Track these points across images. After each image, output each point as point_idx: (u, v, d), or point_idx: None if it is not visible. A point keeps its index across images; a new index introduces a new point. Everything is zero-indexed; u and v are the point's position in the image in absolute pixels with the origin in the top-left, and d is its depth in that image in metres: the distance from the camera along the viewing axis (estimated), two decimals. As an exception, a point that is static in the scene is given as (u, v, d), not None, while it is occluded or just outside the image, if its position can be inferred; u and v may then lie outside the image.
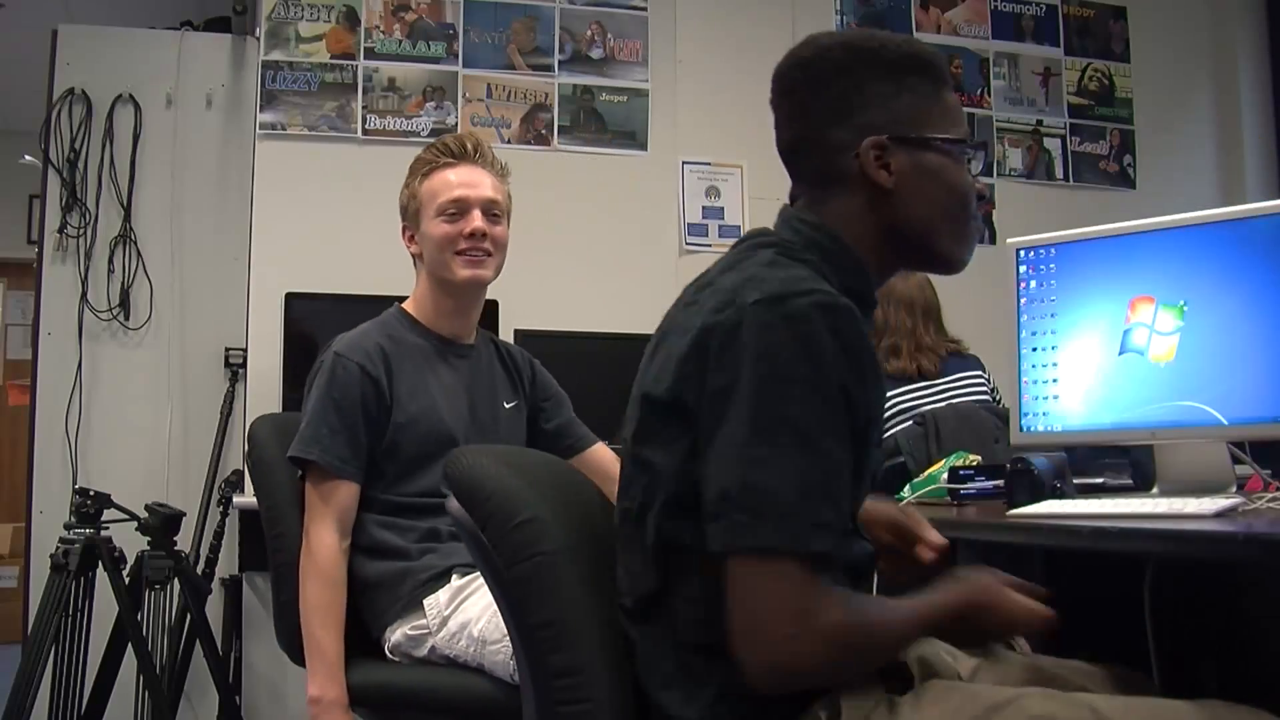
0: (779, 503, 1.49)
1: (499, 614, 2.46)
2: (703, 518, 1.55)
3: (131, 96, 4.93)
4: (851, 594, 1.61)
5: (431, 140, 3.11)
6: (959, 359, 4.17)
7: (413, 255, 3.02)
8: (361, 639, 2.83)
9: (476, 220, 2.90)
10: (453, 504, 1.83)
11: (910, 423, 3.84)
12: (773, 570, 1.49)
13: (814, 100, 1.82)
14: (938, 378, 4.08)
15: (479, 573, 2.68)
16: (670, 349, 1.67)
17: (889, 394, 4.05)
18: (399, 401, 2.86)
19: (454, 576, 2.78)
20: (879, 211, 1.78)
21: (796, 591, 1.49)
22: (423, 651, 2.75)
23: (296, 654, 2.88)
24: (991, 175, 5.66)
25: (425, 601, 2.76)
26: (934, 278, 4.32)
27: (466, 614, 2.68)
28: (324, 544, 2.77)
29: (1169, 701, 1.64)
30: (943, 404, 3.95)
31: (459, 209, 2.91)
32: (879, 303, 4.15)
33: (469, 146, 2.98)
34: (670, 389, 1.63)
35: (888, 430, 3.98)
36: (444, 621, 2.72)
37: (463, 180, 2.93)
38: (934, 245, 1.81)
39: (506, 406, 3.06)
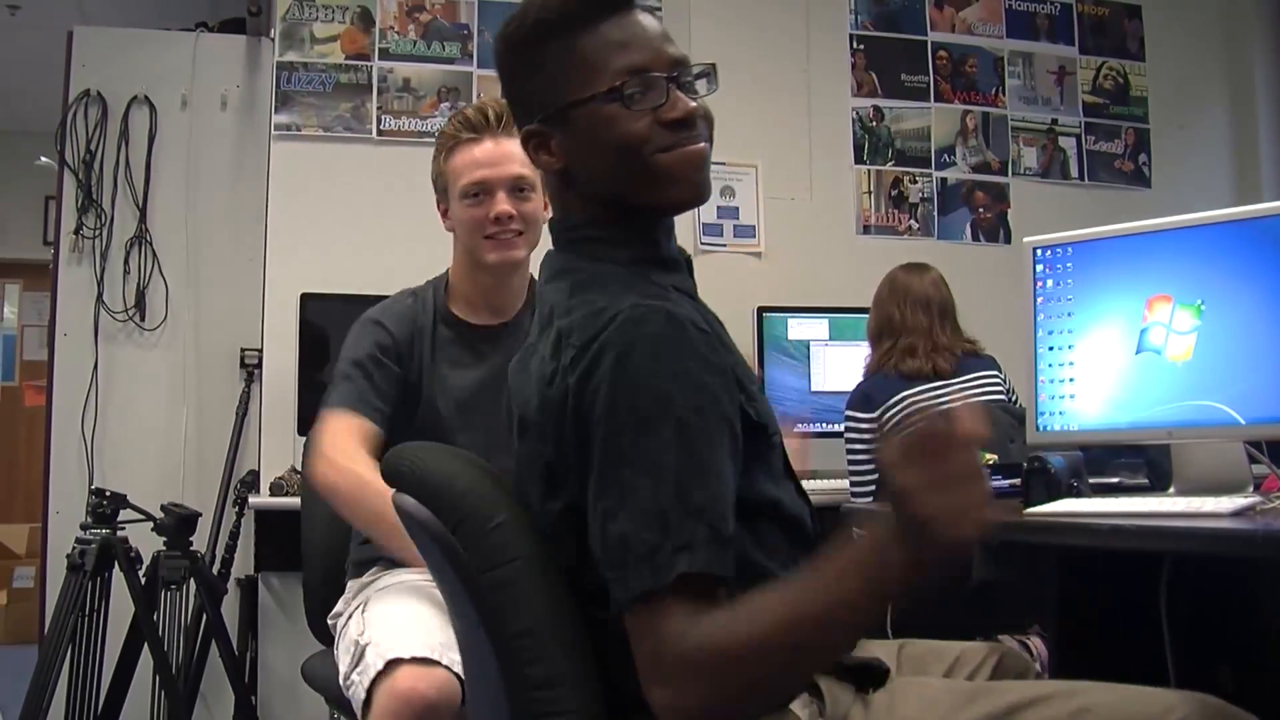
0: (634, 546, 1.43)
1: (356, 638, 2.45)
2: None
3: (147, 98, 4.94)
4: (735, 604, 1.44)
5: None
6: (975, 359, 4.16)
7: (448, 229, 2.85)
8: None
9: (501, 203, 2.68)
10: (408, 501, 1.71)
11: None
12: (645, 616, 1.43)
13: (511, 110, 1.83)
14: (953, 377, 4.07)
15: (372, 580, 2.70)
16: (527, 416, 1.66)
17: (905, 393, 4.04)
18: (421, 370, 2.75)
19: (373, 570, 2.73)
20: (580, 190, 1.73)
21: (662, 633, 1.41)
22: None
23: (323, 636, 2.94)
24: (1006, 174, 5.66)
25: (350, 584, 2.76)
26: (948, 276, 4.31)
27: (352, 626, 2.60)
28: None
29: (1126, 686, 1.63)
30: (958, 404, 3.92)
31: (481, 190, 2.70)
32: (895, 302, 4.18)
33: (490, 117, 2.72)
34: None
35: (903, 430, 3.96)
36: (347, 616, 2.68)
37: (485, 159, 2.69)
38: (633, 201, 1.69)
39: None
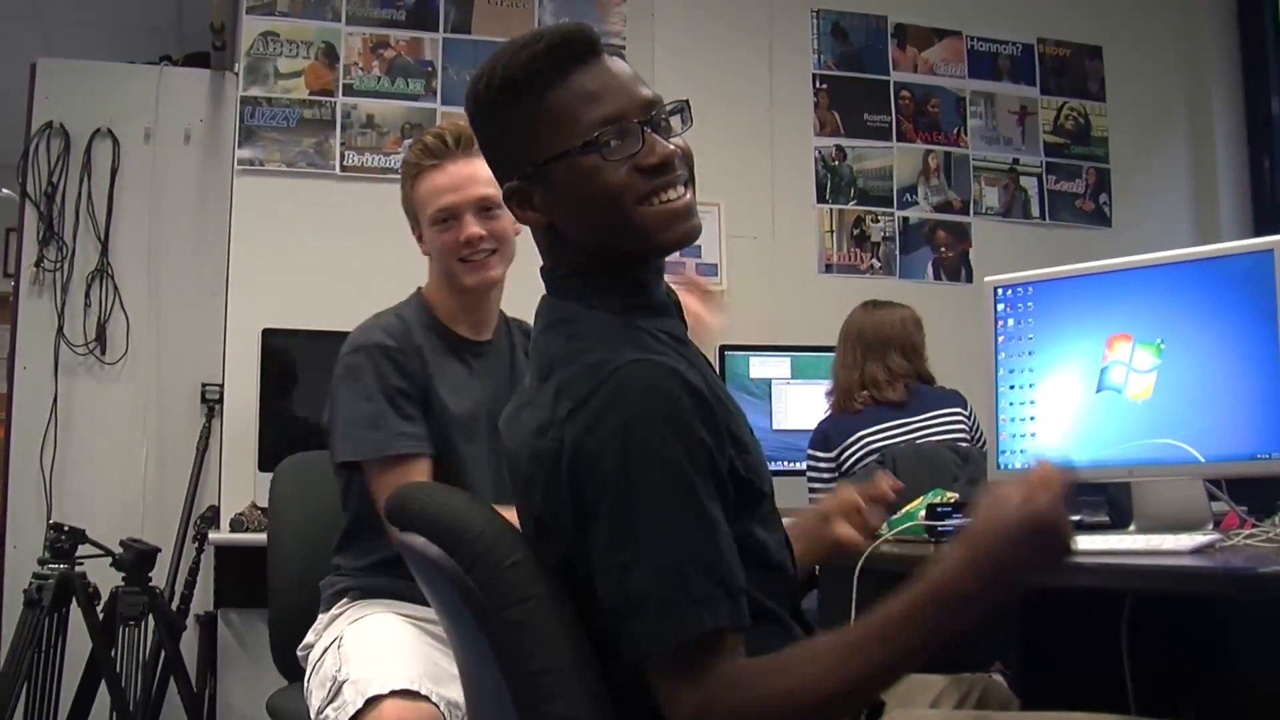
0: (653, 601, 1.42)
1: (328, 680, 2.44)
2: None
3: (110, 131, 4.93)
4: (766, 659, 1.46)
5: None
6: (937, 394, 4.14)
7: (424, 254, 2.83)
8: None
9: (470, 226, 2.66)
10: (418, 540, 1.68)
11: (873, 461, 3.84)
12: (675, 670, 1.43)
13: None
14: (912, 413, 4.05)
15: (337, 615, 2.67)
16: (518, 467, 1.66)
17: (862, 432, 4.04)
18: (428, 379, 2.69)
19: (342, 601, 2.70)
20: (565, 242, 1.71)
21: (688, 691, 1.41)
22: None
23: (288, 672, 2.92)
24: (968, 214, 5.69)
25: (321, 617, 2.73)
26: (919, 312, 4.31)
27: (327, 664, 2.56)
28: None
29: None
30: (904, 443, 3.94)
31: (449, 215, 2.67)
32: (839, 341, 4.18)
33: (450, 141, 2.70)
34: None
35: (856, 471, 3.96)
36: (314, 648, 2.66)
37: (449, 184, 2.67)
38: (617, 249, 1.67)
39: None
